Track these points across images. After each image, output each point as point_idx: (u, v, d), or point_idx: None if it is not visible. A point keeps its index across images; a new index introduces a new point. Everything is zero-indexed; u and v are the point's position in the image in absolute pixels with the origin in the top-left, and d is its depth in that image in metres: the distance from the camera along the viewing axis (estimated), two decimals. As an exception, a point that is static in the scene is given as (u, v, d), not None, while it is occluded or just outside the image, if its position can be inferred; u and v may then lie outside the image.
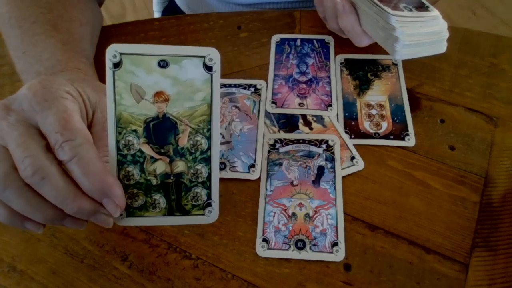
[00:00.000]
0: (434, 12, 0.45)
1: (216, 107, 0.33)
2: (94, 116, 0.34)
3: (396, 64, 0.52)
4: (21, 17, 0.45)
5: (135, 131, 0.32)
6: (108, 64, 0.31)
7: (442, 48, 0.46)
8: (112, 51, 0.30)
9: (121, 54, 0.30)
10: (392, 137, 0.46)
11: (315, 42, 0.54)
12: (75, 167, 0.29)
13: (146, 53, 0.31)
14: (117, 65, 0.31)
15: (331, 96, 0.49)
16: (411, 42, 0.43)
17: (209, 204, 0.34)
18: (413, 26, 0.43)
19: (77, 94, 0.33)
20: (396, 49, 0.43)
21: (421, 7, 0.45)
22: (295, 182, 0.42)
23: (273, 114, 0.48)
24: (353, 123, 0.47)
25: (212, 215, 0.34)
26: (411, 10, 0.44)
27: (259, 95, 0.49)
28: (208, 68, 0.32)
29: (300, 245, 0.38)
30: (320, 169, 0.43)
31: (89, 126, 0.34)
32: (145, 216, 0.33)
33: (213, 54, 0.31)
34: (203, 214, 0.34)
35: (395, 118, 0.47)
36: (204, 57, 0.31)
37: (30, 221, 0.31)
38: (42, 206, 0.30)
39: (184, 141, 0.33)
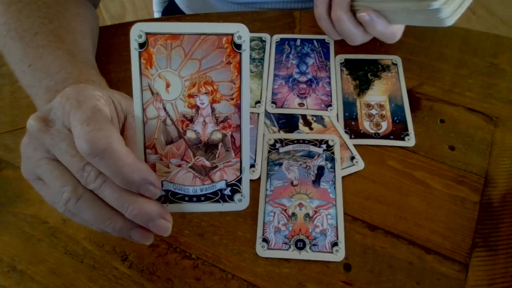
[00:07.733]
0: None
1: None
2: (126, 121, 0.34)
3: (396, 64, 0.52)
4: (21, 28, 0.42)
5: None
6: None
7: None
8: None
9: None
10: (392, 137, 0.46)
11: (315, 42, 0.54)
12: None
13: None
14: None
15: (331, 96, 0.49)
16: (452, 2, 0.41)
17: None
18: None
19: (108, 100, 0.32)
20: (443, 17, 0.41)
21: None
22: (295, 182, 0.42)
23: (273, 114, 0.48)
24: (353, 123, 0.47)
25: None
26: None
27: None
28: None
29: (300, 245, 0.38)
30: (320, 169, 0.43)
31: (122, 131, 0.33)
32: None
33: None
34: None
35: (395, 118, 0.47)
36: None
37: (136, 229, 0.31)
38: (112, 215, 0.30)
39: None
